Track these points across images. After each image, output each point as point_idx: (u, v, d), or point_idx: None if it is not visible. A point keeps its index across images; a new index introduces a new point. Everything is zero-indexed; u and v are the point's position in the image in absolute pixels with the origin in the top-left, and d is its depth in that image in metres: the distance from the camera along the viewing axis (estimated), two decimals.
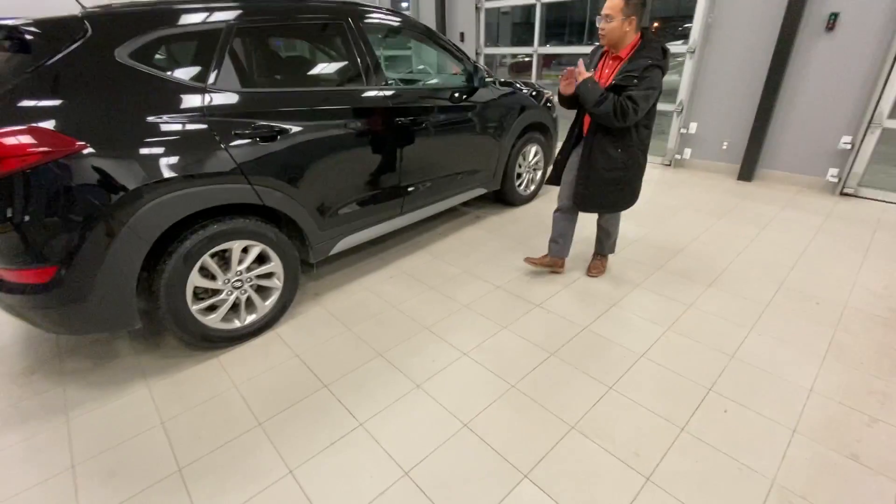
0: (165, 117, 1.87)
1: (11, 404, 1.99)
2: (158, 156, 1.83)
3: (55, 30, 1.75)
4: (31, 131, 1.61)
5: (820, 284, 2.70)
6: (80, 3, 1.96)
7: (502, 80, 3.64)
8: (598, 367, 2.06)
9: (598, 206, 2.53)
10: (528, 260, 2.85)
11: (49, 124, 1.64)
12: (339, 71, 2.61)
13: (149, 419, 1.87)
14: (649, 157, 5.30)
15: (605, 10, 2.17)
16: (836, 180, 4.08)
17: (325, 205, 2.45)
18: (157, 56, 1.94)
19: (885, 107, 3.71)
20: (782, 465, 1.59)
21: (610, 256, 3.00)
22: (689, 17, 4.50)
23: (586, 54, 2.51)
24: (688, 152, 4.96)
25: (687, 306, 2.51)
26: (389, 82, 2.72)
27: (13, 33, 1.73)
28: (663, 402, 1.86)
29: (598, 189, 2.42)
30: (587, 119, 2.42)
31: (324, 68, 2.68)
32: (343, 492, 1.53)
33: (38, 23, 1.76)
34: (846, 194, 4.06)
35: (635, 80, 2.13)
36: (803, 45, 3.95)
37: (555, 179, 2.68)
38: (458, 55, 3.23)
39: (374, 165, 2.64)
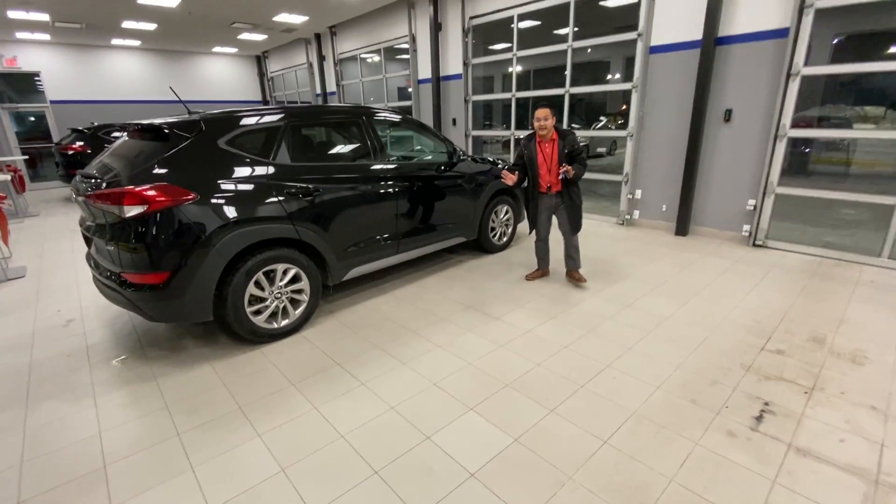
0: (245, 180, 2.88)
1: (114, 375, 2.80)
2: (239, 204, 2.81)
3: (183, 127, 2.82)
4: (164, 186, 2.60)
5: (713, 305, 3.54)
6: (178, 98, 3.07)
7: (479, 157, 4.75)
8: (553, 341, 2.87)
9: (577, 228, 3.78)
10: (527, 277, 4.12)
11: (176, 181, 2.63)
12: (355, 151, 3.68)
13: (213, 381, 2.67)
14: (603, 217, 6.36)
15: (541, 115, 3.50)
16: (747, 234, 5.02)
17: (342, 242, 3.39)
18: (242, 142, 2.98)
19: (774, 177, 4.76)
20: (644, 405, 2.36)
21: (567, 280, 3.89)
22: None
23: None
24: (636, 213, 5.97)
25: (624, 308, 3.33)
26: (392, 159, 3.80)
27: (157, 129, 2.80)
28: (583, 368, 2.65)
29: (576, 216, 3.73)
30: (542, 180, 3.70)
31: (345, 149, 3.76)
32: (352, 418, 2.31)
33: (172, 123, 2.83)
34: (757, 245, 4.99)
35: (576, 146, 3.53)
36: (710, 131, 5.10)
37: (531, 223, 3.95)
38: (441, 140, 4.36)
39: (378, 216, 3.62)
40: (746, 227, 5.04)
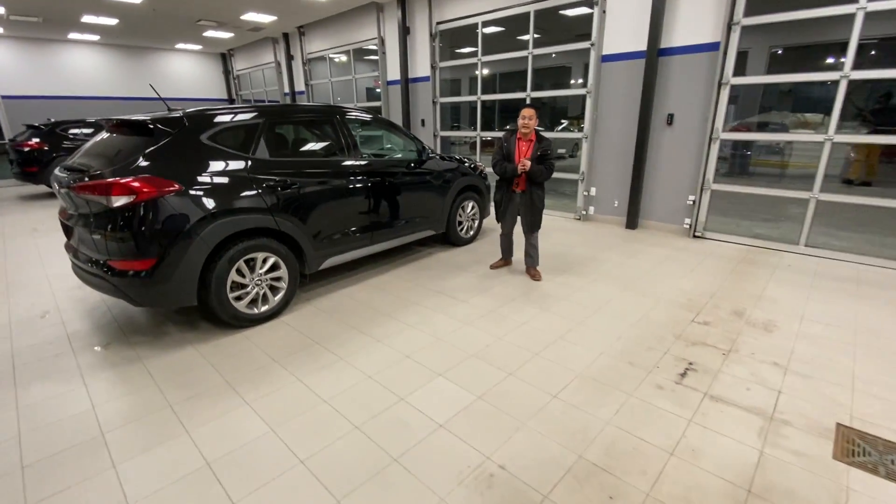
0: (227, 173, 3.06)
1: (99, 359, 2.92)
2: (222, 195, 2.99)
3: (167, 123, 2.98)
4: (150, 178, 2.76)
5: (653, 286, 3.97)
6: (157, 94, 3.22)
7: (447, 155, 5.06)
8: (509, 316, 3.19)
9: (535, 227, 4.01)
10: (492, 266, 4.43)
11: (161, 174, 2.79)
12: (330, 148, 3.90)
13: (198, 361, 2.85)
14: (562, 213, 6.80)
15: (527, 114, 3.75)
16: (688, 227, 5.56)
17: (318, 233, 3.61)
18: (223, 138, 3.16)
19: (710, 175, 5.30)
20: (588, 367, 2.71)
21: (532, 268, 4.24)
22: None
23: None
24: (592, 209, 6.44)
25: (576, 290, 3.70)
26: (364, 155, 4.04)
27: (141, 125, 2.95)
28: (538, 340, 2.99)
29: (537, 215, 3.96)
30: (517, 182, 3.95)
31: (320, 146, 3.97)
32: (333, 386, 2.55)
33: (157, 119, 2.98)
34: (697, 236, 5.53)
35: (549, 151, 3.76)
36: (655, 134, 5.60)
37: (498, 216, 4.21)
38: (410, 138, 4.64)
39: (353, 209, 3.85)
40: (687, 221, 5.57)
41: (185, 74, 14.41)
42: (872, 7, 4.09)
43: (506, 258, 4.47)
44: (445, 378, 2.62)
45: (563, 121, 11.92)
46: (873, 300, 3.66)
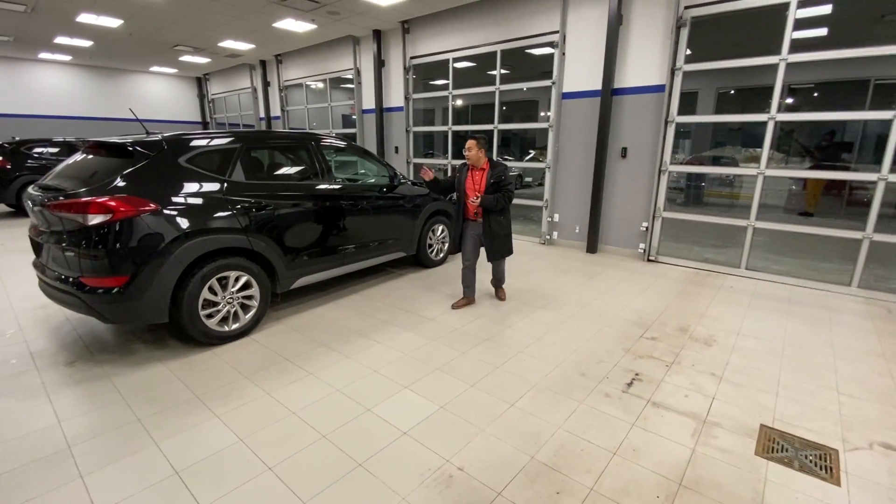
0: (203, 194, 3.18)
1: (65, 376, 2.91)
2: (197, 215, 3.10)
3: (146, 146, 3.10)
4: (127, 198, 2.86)
5: (608, 305, 4.25)
6: (136, 117, 3.34)
7: (419, 181, 5.30)
8: (472, 337, 3.36)
9: (500, 254, 3.98)
10: (454, 306, 4.10)
11: (138, 194, 2.89)
12: (304, 172, 4.07)
13: (167, 377, 2.89)
14: (528, 238, 7.12)
15: (469, 145, 3.82)
16: (643, 251, 5.94)
17: (290, 253, 3.73)
18: (200, 161, 3.29)
19: (661, 203, 5.73)
20: (544, 378, 2.91)
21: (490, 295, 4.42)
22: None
23: (456, 167, 4.17)
24: (555, 234, 6.78)
25: (537, 310, 3.92)
26: (337, 179, 4.22)
27: (120, 147, 3.06)
28: (499, 355, 3.17)
29: (499, 243, 3.91)
30: (469, 206, 3.90)
31: (295, 170, 4.13)
32: (302, 399, 2.64)
33: (136, 141, 3.10)
34: (651, 260, 5.91)
35: (503, 178, 3.76)
36: (611, 165, 6.04)
37: (455, 249, 4.15)
38: (383, 165, 4.87)
39: (324, 231, 4.00)
40: (642, 245, 5.96)
41: (158, 96, 14.38)
42: (793, 59, 4.65)
43: (468, 296, 4.17)
44: (411, 390, 2.76)
45: (530, 151, 12.52)
46: (801, 317, 4.04)
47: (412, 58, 8.10)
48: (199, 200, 3.16)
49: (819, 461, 2.21)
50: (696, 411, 2.60)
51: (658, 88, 5.49)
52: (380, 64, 8.53)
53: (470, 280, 4.16)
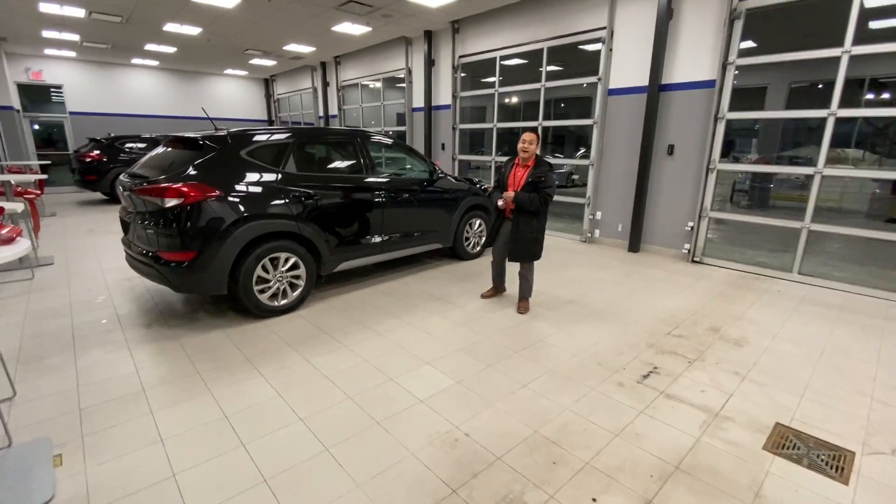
0: (260, 183, 3.61)
1: (143, 335, 3.44)
2: (254, 201, 3.53)
3: (213, 140, 3.56)
4: (196, 185, 3.33)
5: (640, 302, 4.25)
6: (207, 115, 3.82)
7: (459, 177, 5.54)
8: (498, 344, 3.56)
9: (523, 257, 3.82)
10: (483, 295, 4.27)
11: (206, 182, 3.35)
12: (350, 166, 4.43)
13: (224, 342, 3.33)
14: (569, 235, 7.14)
15: (528, 139, 3.64)
16: (687, 252, 5.79)
17: (334, 239, 4.10)
18: (259, 154, 3.72)
19: (707, 203, 5.56)
20: (560, 364, 3.04)
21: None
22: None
23: (501, 163, 4.26)
24: (597, 232, 6.75)
25: (566, 303, 4.03)
26: (380, 174, 4.55)
27: (193, 141, 3.55)
28: (521, 342, 3.33)
29: (523, 246, 3.76)
30: (507, 208, 3.81)
31: (341, 164, 4.50)
32: (334, 366, 2.97)
33: (205, 136, 3.58)
34: (696, 261, 5.75)
35: (542, 179, 3.61)
36: (657, 163, 5.93)
37: (489, 243, 4.13)
38: (424, 161, 5.16)
39: (366, 220, 4.34)
40: (686, 246, 5.81)
41: (230, 97, 15.66)
42: (857, 51, 4.38)
43: (497, 286, 4.28)
44: (432, 366, 3.00)
45: (581, 148, 12.35)
46: (850, 325, 3.83)
47: (461, 57, 8.33)
48: (256, 189, 3.59)
49: (831, 461, 2.20)
50: (709, 405, 2.63)
51: (708, 84, 5.33)
52: (430, 63, 8.85)
53: (498, 272, 4.24)
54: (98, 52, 11.42)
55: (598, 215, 6.69)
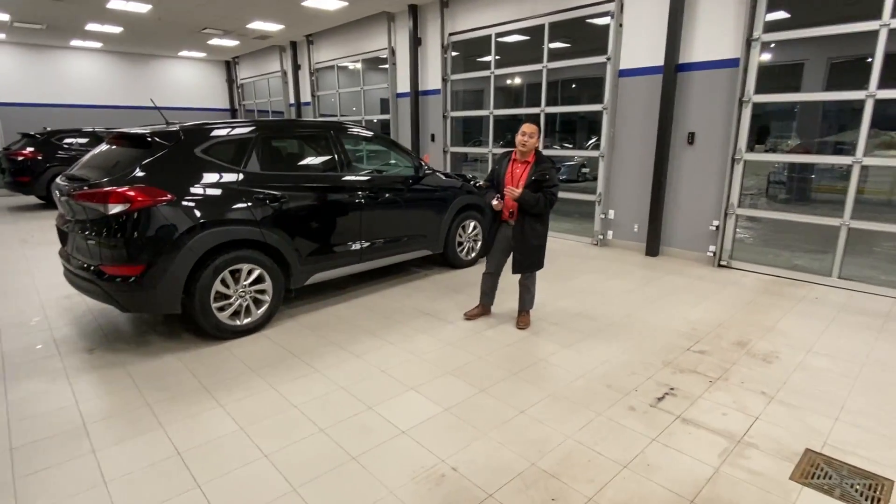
0: (218, 185, 3.67)
1: (84, 362, 3.48)
2: (211, 206, 3.59)
3: (163, 136, 3.63)
4: (145, 188, 3.38)
5: (657, 314, 4.33)
6: (155, 106, 3.89)
7: (449, 172, 5.62)
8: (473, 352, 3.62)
9: (528, 267, 3.85)
10: (466, 315, 4.22)
11: (155, 184, 3.41)
12: (322, 163, 4.50)
13: (178, 368, 3.37)
14: (579, 238, 7.24)
15: (528, 130, 3.64)
16: (712, 254, 5.89)
17: (305, 248, 4.15)
18: (216, 151, 3.79)
19: (734, 199, 5.67)
20: (563, 387, 3.10)
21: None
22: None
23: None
24: (610, 233, 6.85)
25: (573, 316, 4.10)
26: (358, 171, 4.62)
27: (139, 137, 3.61)
28: (519, 361, 3.40)
29: (529, 255, 3.79)
30: (505, 210, 3.80)
31: (312, 161, 4.58)
32: (304, 394, 3.02)
33: (154, 132, 3.64)
34: (722, 265, 5.84)
35: (547, 177, 3.61)
36: (675, 153, 6.04)
37: (485, 251, 4.13)
38: (409, 155, 5.23)
39: (342, 225, 4.40)
40: (712, 248, 5.90)
41: (187, 83, 15.73)
42: None
43: (484, 304, 4.25)
44: (417, 392, 3.06)
45: (593, 137, 12.49)
46: None
47: (451, 34, 8.45)
48: (213, 191, 3.65)
49: (867, 491, 2.26)
50: (731, 430, 2.69)
51: (731, 63, 5.45)
52: (416, 42, 8.96)
53: (489, 286, 4.20)
54: (31, 34, 11.48)
55: (611, 214, 6.78)
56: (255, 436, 2.61)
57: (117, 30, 10.96)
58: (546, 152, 7.88)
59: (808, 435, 2.66)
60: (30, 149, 9.74)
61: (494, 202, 3.77)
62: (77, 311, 4.43)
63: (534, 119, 3.81)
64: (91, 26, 10.62)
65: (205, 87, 16.10)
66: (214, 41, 12.37)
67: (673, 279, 5.38)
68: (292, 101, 12.97)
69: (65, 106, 13.52)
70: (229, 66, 16.16)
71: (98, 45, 13.01)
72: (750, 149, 5.76)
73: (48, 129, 10.44)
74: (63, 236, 3.92)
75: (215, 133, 3.85)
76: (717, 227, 5.80)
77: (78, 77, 13.76)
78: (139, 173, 3.44)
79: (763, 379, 3.25)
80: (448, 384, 3.15)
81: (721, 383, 3.20)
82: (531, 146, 3.71)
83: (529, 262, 3.85)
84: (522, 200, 3.62)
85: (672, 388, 3.12)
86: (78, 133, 10.27)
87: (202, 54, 14.84)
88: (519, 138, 3.70)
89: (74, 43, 12.75)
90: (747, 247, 6.11)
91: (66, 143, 10.02)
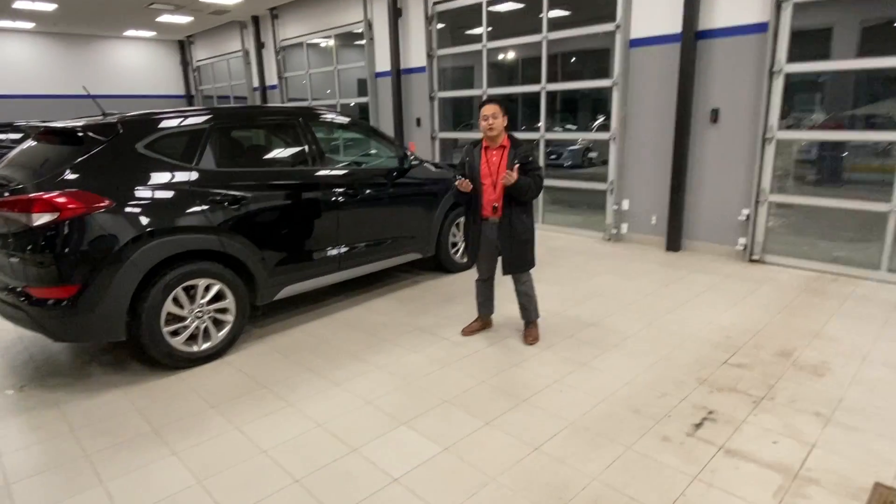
0: (166, 186, 3.44)
1: (10, 402, 3.25)
2: (158, 212, 3.36)
3: (98, 130, 3.39)
4: (77, 193, 3.15)
5: (684, 322, 4.18)
6: (90, 96, 3.66)
7: (439, 163, 5.43)
8: (479, 374, 3.44)
9: (520, 267, 3.74)
10: (464, 331, 4.05)
11: (89, 188, 3.18)
12: (290, 156, 4.30)
13: (124, 406, 3.15)
14: (588, 232, 7.10)
15: (489, 112, 3.51)
16: (743, 248, 5.75)
17: (273, 256, 3.94)
18: (162, 146, 3.56)
19: (766, 184, 5.53)
20: (583, 416, 2.93)
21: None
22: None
23: (463, 147, 4.00)
24: (624, 227, 6.70)
25: (587, 326, 3.93)
26: (332, 165, 4.42)
27: (70, 132, 3.37)
28: (529, 385, 3.22)
29: (519, 251, 3.68)
30: (485, 198, 3.66)
31: (278, 154, 4.37)
32: (275, 435, 2.82)
33: (86, 126, 3.40)
34: (754, 260, 5.71)
35: (531, 159, 3.59)
36: (697, 133, 5.89)
37: (472, 256, 3.95)
38: (392, 144, 5.03)
39: (316, 228, 4.20)
40: (742, 241, 5.77)
41: (135, 67, 15.38)
42: None
43: (483, 316, 4.12)
44: (409, 427, 2.87)
45: (599, 116, 12.35)
46: None
47: (435, 3, 8.25)
48: (159, 194, 3.43)
49: None
50: (785, 462, 2.53)
51: (759, 28, 5.31)
52: (395, 13, 8.74)
53: (486, 295, 4.06)
54: None
55: (625, 205, 6.64)
56: (216, 490, 2.41)
57: (50, 7, 10.62)
58: (551, 135, 7.77)
59: (876, 464, 2.51)
60: None
61: (460, 183, 3.58)
62: (5, 340, 4.19)
63: (493, 98, 3.64)
64: (19, 3, 10.28)
65: (156, 71, 15.76)
66: (164, 18, 12.05)
67: (699, 278, 5.24)
68: (256, 84, 12.69)
69: None
70: (183, 47, 15.83)
71: (30, 25, 12.63)
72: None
73: None
74: None
75: (161, 125, 3.62)
76: (748, 216, 5.66)
77: (11, 63, 13.39)
78: (69, 175, 3.20)
79: (815, 396, 3.10)
80: (447, 416, 2.97)
81: (767, 403, 3.04)
82: (499, 127, 3.60)
83: (522, 259, 3.75)
84: (520, 185, 3.49)
85: (710, 412, 2.96)
86: (9, 128, 9.93)
87: (151, 33, 14.50)
88: (482, 123, 3.60)
89: (3, 24, 12.36)
90: (780, 237, 5.97)
91: None
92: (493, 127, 3.58)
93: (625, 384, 3.27)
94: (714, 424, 2.85)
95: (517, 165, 3.50)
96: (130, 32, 14.21)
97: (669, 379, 3.33)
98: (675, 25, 5.80)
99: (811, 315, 4.28)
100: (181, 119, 3.74)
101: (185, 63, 16.01)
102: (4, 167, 3.60)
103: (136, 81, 15.32)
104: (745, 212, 5.69)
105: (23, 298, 3.21)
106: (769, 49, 5.21)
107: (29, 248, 3.14)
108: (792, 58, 5.23)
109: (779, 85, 5.30)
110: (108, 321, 3.25)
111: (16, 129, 9.92)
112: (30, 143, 3.77)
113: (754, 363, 3.51)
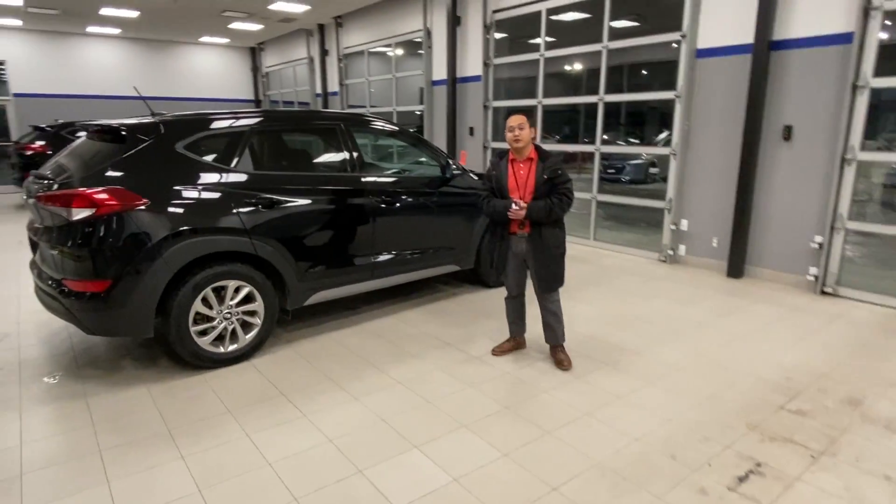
0: (202, 187, 3.47)
1: (44, 391, 3.35)
2: (192, 212, 3.39)
3: (140, 129, 3.46)
4: (115, 190, 3.21)
5: (739, 357, 3.82)
6: (141, 97, 3.74)
7: (480, 173, 5.27)
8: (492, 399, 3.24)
9: (555, 282, 3.57)
10: (495, 351, 3.89)
11: (127, 185, 3.24)
12: (329, 162, 4.28)
13: (145, 403, 3.17)
14: (642, 252, 6.75)
15: (515, 123, 3.37)
16: (814, 279, 5.25)
17: (305, 261, 3.90)
18: (202, 147, 3.60)
19: (844, 209, 5.03)
20: (612, 456, 2.68)
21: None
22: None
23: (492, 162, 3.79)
24: (682, 248, 6.30)
25: (628, 353, 3.66)
26: (372, 172, 4.37)
27: (114, 130, 3.46)
28: (557, 415, 3.00)
29: (553, 266, 3.53)
30: (515, 222, 3.49)
31: (316, 160, 4.35)
32: (283, 447, 2.74)
33: (129, 125, 3.48)
34: (826, 293, 5.19)
35: (560, 172, 3.42)
36: (767, 152, 5.45)
37: (500, 272, 3.74)
38: (435, 152, 4.93)
39: (350, 234, 4.14)
40: (813, 270, 5.27)
41: (210, 71, 16.15)
42: None
43: (515, 336, 3.94)
44: (422, 451, 2.71)
45: (664, 130, 11.81)
46: None
47: (494, 11, 8.14)
48: (195, 194, 3.46)
49: None
50: None
51: (842, 38, 4.85)
52: (454, 21, 8.70)
53: (517, 314, 3.88)
54: (46, 20, 12.01)
55: (684, 225, 6.25)
56: (214, 502, 2.34)
57: (134, 14, 11.30)
58: (607, 149, 7.48)
59: None
60: (39, 143, 10.09)
61: (514, 207, 3.39)
62: (53, 327, 4.36)
63: (522, 109, 3.46)
64: (106, 10, 10.98)
65: (229, 75, 16.48)
66: (236, 25, 12.57)
67: (761, 309, 4.81)
68: (319, 90, 13.00)
69: (81, 97, 14.09)
70: (254, 53, 16.48)
71: (116, 31, 13.51)
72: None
73: (59, 121, 10.81)
74: (34, 245, 3.83)
75: (201, 126, 3.67)
76: (821, 244, 5.17)
77: (95, 66, 14.33)
78: (110, 173, 3.28)
79: (886, 455, 2.71)
80: (463, 443, 2.79)
81: (827, 460, 2.68)
82: (525, 139, 3.44)
83: (553, 275, 3.58)
84: (534, 215, 3.41)
85: (759, 464, 2.63)
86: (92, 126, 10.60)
87: (225, 40, 15.18)
88: (508, 135, 3.46)
89: (91, 29, 13.28)
90: (858, 269, 5.42)
91: (77, 136, 10.34)
92: (519, 138, 3.43)
93: (663, 423, 2.99)
94: (761, 479, 2.53)
95: (546, 179, 3.39)
96: (205, 38, 14.92)
97: (715, 422, 3.01)
98: (746, 35, 5.41)
99: (888, 359, 3.82)
100: (221, 121, 3.78)
101: (255, 69, 16.66)
102: (54, 165, 3.74)
103: (210, 85, 16.06)
104: (819, 239, 5.19)
105: (60, 290, 3.31)
106: (853, 61, 4.75)
107: (68, 241, 3.23)
108: (879, 72, 4.74)
109: (863, 101, 4.81)
110: (137, 317, 3.30)
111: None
112: (81, 141, 3.91)
113: (816, 411, 3.13)
